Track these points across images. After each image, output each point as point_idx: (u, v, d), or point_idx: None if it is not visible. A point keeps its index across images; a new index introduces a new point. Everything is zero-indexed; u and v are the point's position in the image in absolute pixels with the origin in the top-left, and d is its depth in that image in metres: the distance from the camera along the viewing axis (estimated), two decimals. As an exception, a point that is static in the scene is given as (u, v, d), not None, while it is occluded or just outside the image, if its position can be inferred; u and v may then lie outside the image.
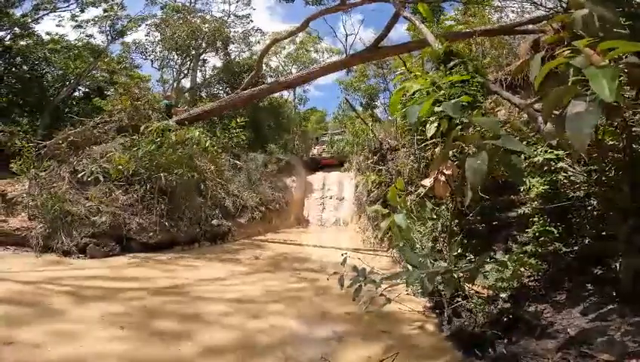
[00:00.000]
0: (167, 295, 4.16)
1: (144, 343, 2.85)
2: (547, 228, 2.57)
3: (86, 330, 3.00)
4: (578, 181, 2.70)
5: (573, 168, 2.72)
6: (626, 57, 1.96)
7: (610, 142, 2.40)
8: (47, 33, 15.77)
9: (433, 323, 3.40)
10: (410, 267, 2.93)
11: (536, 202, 2.82)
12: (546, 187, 2.65)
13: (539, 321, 2.47)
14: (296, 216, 13.73)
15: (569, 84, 1.90)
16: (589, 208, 2.52)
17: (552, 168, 2.69)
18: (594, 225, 2.47)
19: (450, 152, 2.67)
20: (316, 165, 17.29)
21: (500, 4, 10.42)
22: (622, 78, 1.99)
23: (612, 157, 2.49)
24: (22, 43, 14.04)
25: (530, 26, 7.61)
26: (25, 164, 6.89)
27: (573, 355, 2.25)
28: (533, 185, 2.71)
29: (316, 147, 19.12)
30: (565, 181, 2.71)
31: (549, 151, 2.69)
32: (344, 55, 10.35)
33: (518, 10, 9.77)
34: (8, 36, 13.49)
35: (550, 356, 2.35)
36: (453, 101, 2.13)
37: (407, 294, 4.10)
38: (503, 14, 10.84)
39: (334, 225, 13.47)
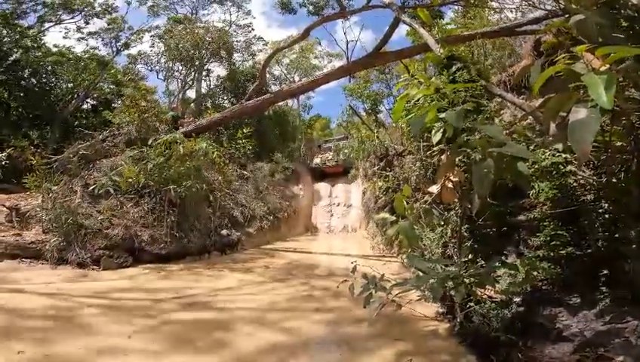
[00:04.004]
0: (178, 303, 4.22)
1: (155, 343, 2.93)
2: (558, 231, 2.56)
3: (102, 332, 3.09)
4: (588, 184, 2.70)
5: (582, 171, 2.72)
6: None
7: (619, 144, 2.40)
8: (55, 46, 15.94)
9: (445, 329, 3.39)
10: (420, 273, 2.94)
11: (546, 206, 2.82)
12: (556, 191, 2.65)
13: (554, 325, 2.46)
14: (304, 224, 13.76)
15: (570, 88, 1.91)
16: (600, 211, 2.52)
17: (561, 172, 2.70)
18: (605, 227, 2.46)
19: (457, 158, 2.69)
20: (320, 175, 16.39)
21: (498, 5, 10.42)
22: (625, 82, 2.00)
23: (621, 159, 2.49)
24: (30, 55, 14.08)
25: (532, 27, 7.61)
26: (38, 178, 7.05)
27: (590, 358, 2.24)
28: (542, 190, 2.71)
29: (319, 155, 18.59)
30: (575, 184, 2.71)
31: (557, 154, 2.69)
32: (345, 59, 10.41)
33: (519, 10, 9.76)
34: (16, 48, 13.54)
35: (567, 359, 2.34)
36: (457, 109, 2.15)
37: (419, 300, 4.08)
38: (502, 15, 10.84)
39: (343, 232, 13.46)
